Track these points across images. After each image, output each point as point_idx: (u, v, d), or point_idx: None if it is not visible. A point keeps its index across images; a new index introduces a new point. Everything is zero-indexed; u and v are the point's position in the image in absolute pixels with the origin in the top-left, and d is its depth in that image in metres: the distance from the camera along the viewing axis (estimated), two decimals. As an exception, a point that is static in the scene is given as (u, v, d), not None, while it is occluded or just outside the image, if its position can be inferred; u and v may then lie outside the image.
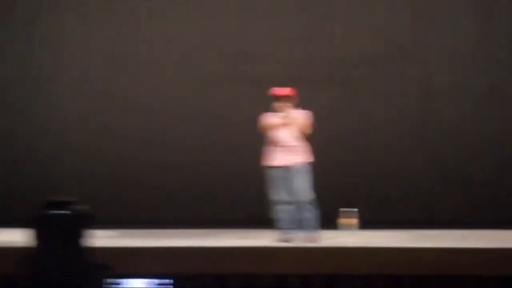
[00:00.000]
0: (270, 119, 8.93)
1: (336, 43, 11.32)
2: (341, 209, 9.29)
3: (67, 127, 11.47)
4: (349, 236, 9.29)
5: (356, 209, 9.30)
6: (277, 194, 8.81)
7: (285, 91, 8.93)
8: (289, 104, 8.90)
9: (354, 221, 9.30)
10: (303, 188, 8.77)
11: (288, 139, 8.86)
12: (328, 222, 9.47)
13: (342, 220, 9.27)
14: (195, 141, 11.29)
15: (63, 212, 6.30)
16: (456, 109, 11.28)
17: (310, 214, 8.77)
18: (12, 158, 11.46)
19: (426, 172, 11.22)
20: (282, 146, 8.85)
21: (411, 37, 11.36)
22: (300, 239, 8.77)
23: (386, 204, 10.97)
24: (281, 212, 8.82)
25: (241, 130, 10.95)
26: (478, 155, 11.20)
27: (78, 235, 6.30)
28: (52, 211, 6.32)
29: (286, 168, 8.82)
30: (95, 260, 6.35)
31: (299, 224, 8.79)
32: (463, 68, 11.30)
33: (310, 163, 8.87)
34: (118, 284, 7.29)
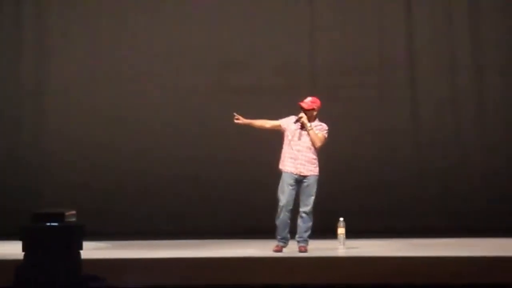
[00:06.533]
0: (288, 122, 8.89)
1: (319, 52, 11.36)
2: (341, 219, 9.30)
3: (56, 139, 11.44)
4: (340, 246, 9.27)
5: (341, 219, 9.31)
6: (282, 199, 8.78)
7: (311, 105, 8.85)
8: (312, 115, 8.85)
9: (343, 230, 9.32)
10: (308, 198, 8.77)
11: (303, 147, 8.82)
12: (326, 231, 9.48)
13: (340, 230, 9.29)
14: (183, 151, 11.28)
15: (53, 224, 6.26)
16: (443, 117, 11.30)
17: (306, 224, 8.77)
18: (1, 170, 11.42)
19: (415, 180, 11.22)
20: (296, 151, 8.81)
21: (397, 45, 11.37)
22: (292, 249, 8.78)
23: (373, 214, 10.97)
24: (281, 219, 8.78)
25: (229, 139, 10.95)
26: (465, 165, 11.21)
27: (68, 247, 6.26)
28: (42, 223, 6.29)
29: (297, 176, 8.80)
30: (85, 272, 6.31)
31: (298, 234, 8.82)
32: (452, 74, 11.31)
33: (318, 176, 8.85)
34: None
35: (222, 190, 11.18)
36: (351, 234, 9.41)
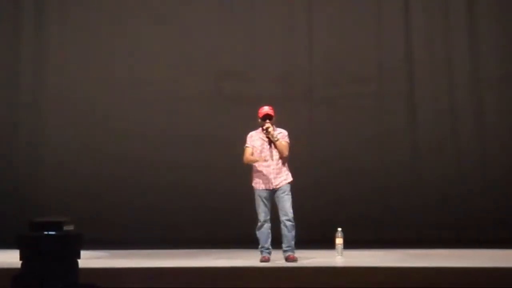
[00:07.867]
0: (253, 140, 8.90)
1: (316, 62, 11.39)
2: (339, 229, 9.30)
3: (54, 147, 11.47)
4: (338, 256, 9.27)
5: (339, 229, 9.32)
6: (260, 213, 8.79)
7: (270, 110, 8.87)
8: (272, 123, 8.85)
9: (341, 240, 9.33)
10: (286, 206, 8.75)
11: (272, 161, 8.81)
12: (324, 241, 9.47)
13: (338, 240, 9.29)
14: (181, 160, 11.30)
15: (51, 232, 6.26)
16: (441, 127, 11.31)
17: (291, 232, 8.75)
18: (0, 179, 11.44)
19: (413, 190, 11.23)
20: (266, 167, 8.82)
21: (395, 55, 11.40)
22: (281, 259, 8.77)
23: (369, 224, 10.97)
24: (262, 232, 8.80)
25: (227, 149, 10.97)
26: (463, 174, 11.22)
27: (66, 256, 6.26)
28: (40, 232, 6.28)
29: (269, 189, 8.81)
30: (83, 281, 6.31)
31: (286, 243, 8.77)
32: (450, 84, 11.33)
33: (291, 183, 8.84)
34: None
35: (220, 200, 11.17)
36: (348, 244, 9.41)
